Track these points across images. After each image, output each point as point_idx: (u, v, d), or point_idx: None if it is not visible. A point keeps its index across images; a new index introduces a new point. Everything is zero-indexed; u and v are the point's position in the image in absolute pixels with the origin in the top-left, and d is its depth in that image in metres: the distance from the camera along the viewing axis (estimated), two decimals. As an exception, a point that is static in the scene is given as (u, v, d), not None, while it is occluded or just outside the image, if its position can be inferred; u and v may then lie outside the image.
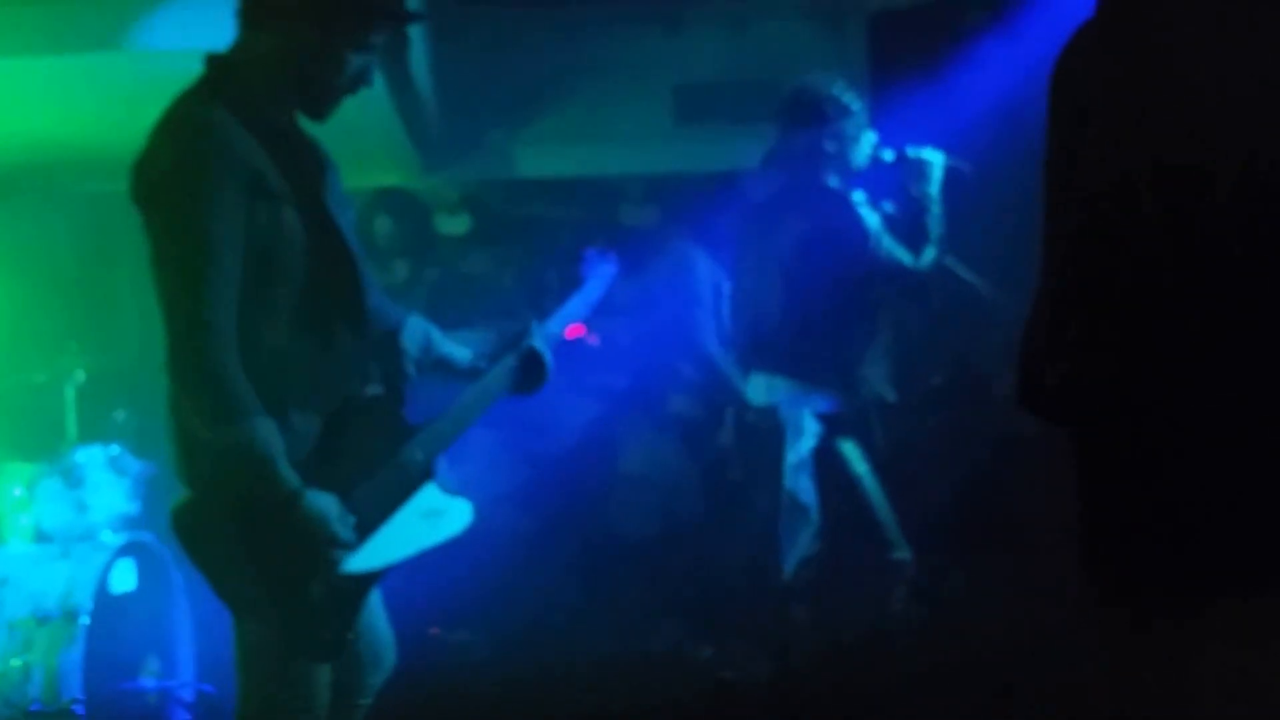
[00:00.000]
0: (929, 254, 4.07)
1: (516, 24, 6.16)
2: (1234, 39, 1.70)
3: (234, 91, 2.49)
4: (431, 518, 2.65)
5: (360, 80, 2.59)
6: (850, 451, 4.19)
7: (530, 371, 2.90)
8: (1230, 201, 1.69)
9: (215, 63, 2.55)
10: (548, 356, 2.91)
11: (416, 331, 2.83)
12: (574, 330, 5.76)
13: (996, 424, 4.77)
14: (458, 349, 2.90)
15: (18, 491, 4.40)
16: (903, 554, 4.17)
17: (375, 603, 2.75)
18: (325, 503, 2.43)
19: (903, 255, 4.07)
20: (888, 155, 4.14)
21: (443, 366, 2.88)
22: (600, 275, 3.16)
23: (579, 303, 3.10)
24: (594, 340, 5.27)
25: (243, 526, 2.41)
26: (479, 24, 6.05)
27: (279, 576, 2.45)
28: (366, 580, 2.57)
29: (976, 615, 4.30)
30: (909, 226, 4.07)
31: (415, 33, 4.99)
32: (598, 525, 5.60)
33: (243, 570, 2.44)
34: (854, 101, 4.17)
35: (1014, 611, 4.19)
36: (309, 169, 2.60)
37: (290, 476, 2.40)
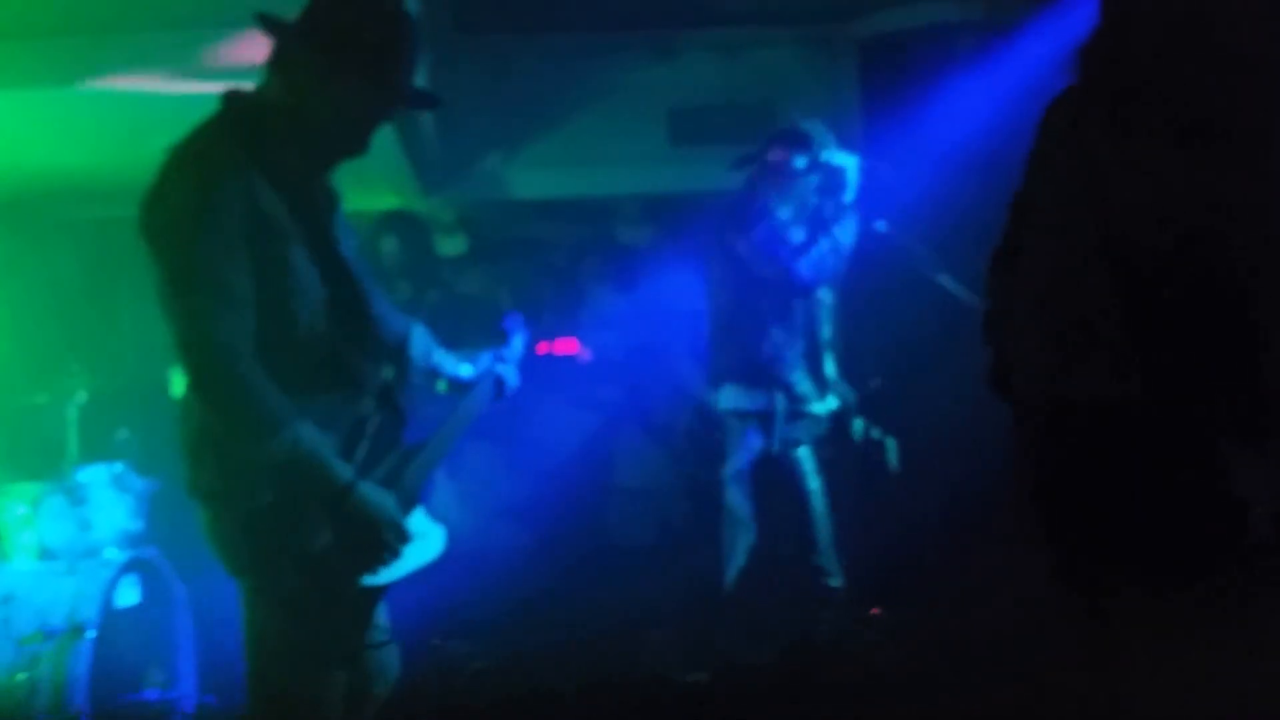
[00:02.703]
0: (821, 256, 4.14)
1: (514, 51, 6.25)
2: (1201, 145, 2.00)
3: (250, 130, 2.53)
4: (418, 540, 2.69)
5: (366, 147, 2.66)
6: (806, 463, 4.24)
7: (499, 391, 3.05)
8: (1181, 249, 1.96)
9: (235, 101, 2.59)
10: (510, 376, 3.04)
11: (420, 341, 2.92)
12: (568, 346, 5.86)
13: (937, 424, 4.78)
14: (447, 360, 3.00)
15: (21, 510, 4.42)
16: (835, 581, 4.22)
17: (382, 617, 2.81)
18: (381, 493, 2.52)
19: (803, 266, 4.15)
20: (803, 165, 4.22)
21: (433, 376, 2.98)
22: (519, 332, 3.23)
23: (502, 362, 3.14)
24: (588, 355, 5.34)
25: (295, 532, 2.46)
26: (479, 51, 6.15)
27: (326, 580, 2.50)
28: (376, 594, 2.65)
29: (927, 616, 4.31)
30: (815, 229, 4.18)
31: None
32: (593, 537, 5.65)
33: (291, 575, 2.49)
34: (835, 155, 4.21)
35: (962, 609, 4.21)
36: (317, 203, 2.63)
37: (344, 469, 2.46)
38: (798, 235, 4.21)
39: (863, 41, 5.94)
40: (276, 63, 2.59)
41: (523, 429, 5.34)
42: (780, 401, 4.22)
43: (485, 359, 3.05)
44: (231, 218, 2.41)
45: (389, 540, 2.53)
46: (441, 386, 3.01)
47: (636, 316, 5.38)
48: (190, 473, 2.56)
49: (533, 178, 6.38)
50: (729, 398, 4.25)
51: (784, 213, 4.25)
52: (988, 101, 4.40)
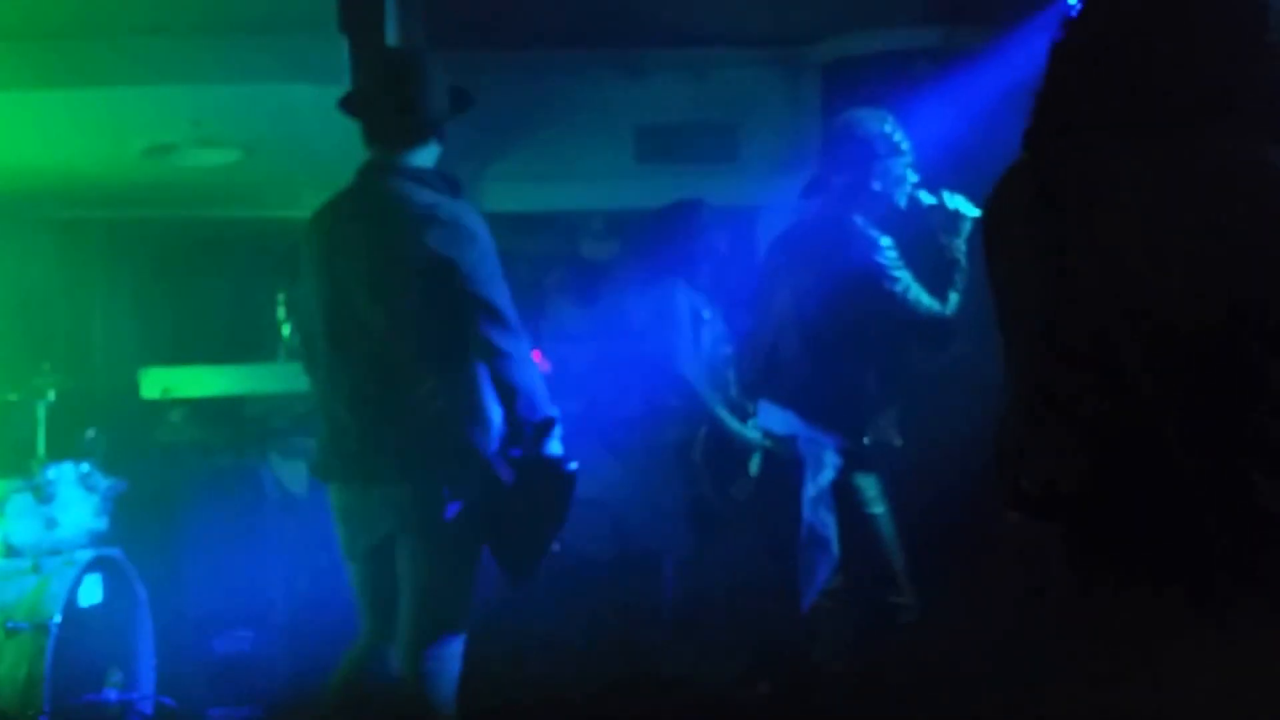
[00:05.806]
0: (953, 300, 3.92)
1: (485, 66, 6.32)
2: (1146, 198, 1.81)
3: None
4: None
5: None
6: (870, 489, 4.04)
7: None
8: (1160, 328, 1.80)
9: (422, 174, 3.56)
10: None
11: None
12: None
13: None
14: None
15: (-12, 507, 4.43)
16: (909, 603, 4.01)
17: None
18: None
19: (931, 303, 3.91)
20: (927, 199, 3.99)
21: None
22: None
23: None
24: (547, 367, 5.34)
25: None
26: (449, 66, 6.21)
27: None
28: None
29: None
30: (936, 273, 3.93)
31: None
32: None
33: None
34: (904, 141, 3.98)
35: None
36: None
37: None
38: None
39: (826, 65, 6.05)
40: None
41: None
42: (853, 439, 4.04)
43: None
44: None
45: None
46: None
47: (597, 331, 5.39)
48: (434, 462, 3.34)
49: (501, 191, 6.44)
50: (797, 423, 4.07)
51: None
52: (945, 126, 4.50)
